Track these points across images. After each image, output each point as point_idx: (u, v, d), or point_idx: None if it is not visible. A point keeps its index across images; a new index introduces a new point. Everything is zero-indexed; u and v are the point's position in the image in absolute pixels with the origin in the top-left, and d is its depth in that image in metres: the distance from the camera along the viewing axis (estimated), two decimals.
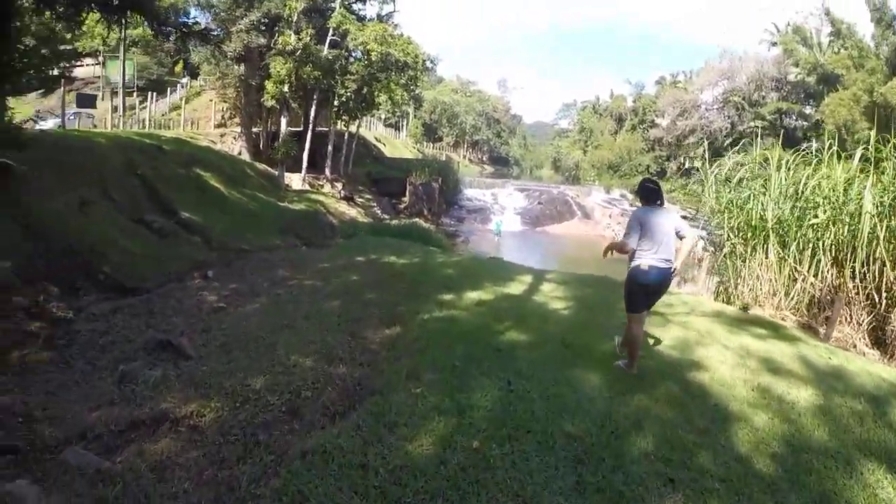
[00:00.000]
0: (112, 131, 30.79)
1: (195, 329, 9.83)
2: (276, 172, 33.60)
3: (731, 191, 14.23)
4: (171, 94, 51.05)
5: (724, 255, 13.85)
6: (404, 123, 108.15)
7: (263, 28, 35.70)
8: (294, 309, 10.46)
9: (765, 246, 12.74)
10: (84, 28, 61.54)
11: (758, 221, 13.03)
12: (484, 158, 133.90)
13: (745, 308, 12.38)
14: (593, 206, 53.09)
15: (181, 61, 59.60)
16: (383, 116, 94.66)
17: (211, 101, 46.69)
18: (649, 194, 6.91)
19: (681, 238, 6.81)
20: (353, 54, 39.18)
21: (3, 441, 6.04)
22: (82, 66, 63.39)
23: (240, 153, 36.35)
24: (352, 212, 33.73)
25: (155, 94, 48.33)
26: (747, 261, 13.09)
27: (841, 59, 60.57)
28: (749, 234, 13.19)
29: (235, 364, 7.80)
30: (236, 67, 38.98)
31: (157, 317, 10.90)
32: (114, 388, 7.36)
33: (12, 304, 11.52)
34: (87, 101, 35.85)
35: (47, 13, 20.56)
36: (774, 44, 73.45)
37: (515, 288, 12.37)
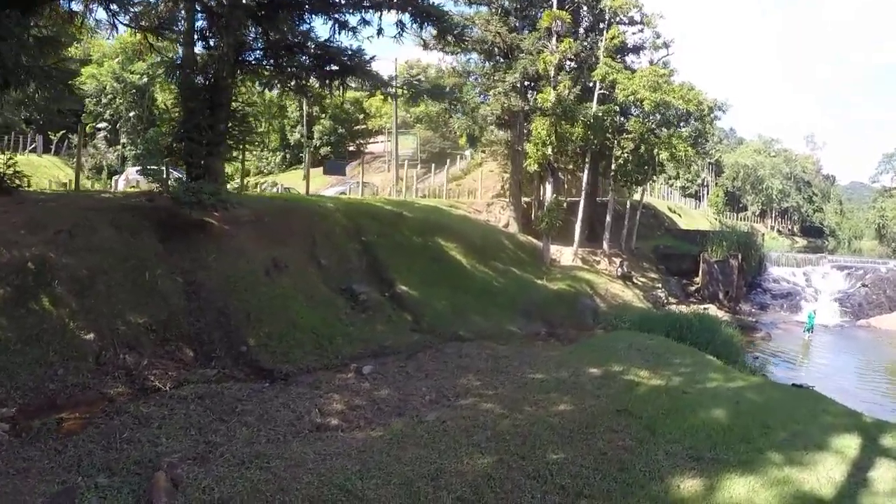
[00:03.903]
0: (351, 197, 29.74)
1: (239, 460, 7.18)
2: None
3: None
4: (449, 165, 50.67)
5: None
6: (705, 193, 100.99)
7: (530, 90, 33.09)
8: (413, 460, 7.18)
9: None
10: (374, 108, 66.88)
11: None
12: (794, 229, 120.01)
13: None
14: None
15: (464, 134, 60.13)
16: (680, 185, 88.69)
17: (491, 171, 45.37)
18: None
19: None
20: (630, 112, 34.86)
21: None
22: (377, 142, 68.04)
23: (507, 224, 33.34)
24: (626, 294, 28.59)
25: (435, 165, 48.86)
26: None
27: None
28: None
29: None
30: (501, 133, 36.71)
31: (228, 421, 8.71)
32: None
33: (118, 362, 10.87)
34: (335, 169, 35.73)
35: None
36: None
37: (825, 471, 7.03)
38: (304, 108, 61.52)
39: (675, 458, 7.26)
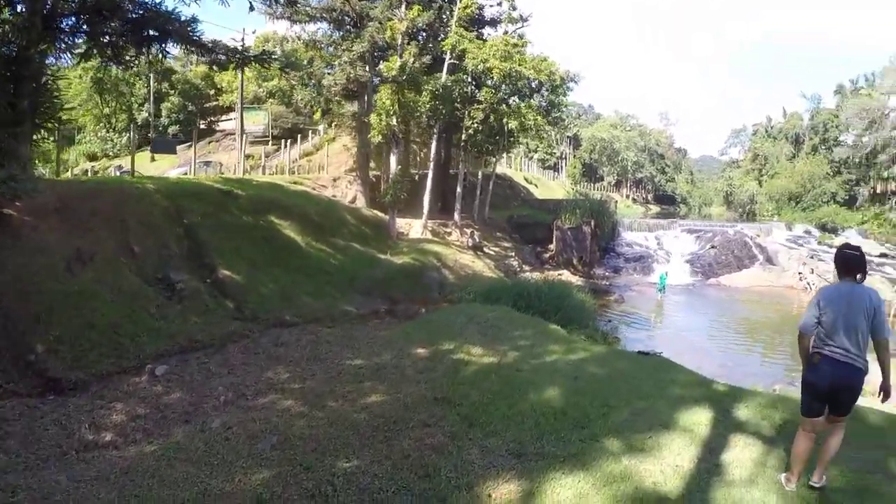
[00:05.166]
0: (180, 177, 27.56)
1: None
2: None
3: None
4: (300, 141, 48.37)
5: None
6: (563, 165, 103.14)
7: (380, 60, 31.28)
8: (179, 481, 5.77)
9: None
10: (226, 83, 63.27)
11: None
12: (648, 197, 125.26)
13: None
14: (777, 248, 43.65)
15: (319, 109, 58.03)
16: (539, 157, 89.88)
17: (344, 146, 43.57)
18: (840, 265, 5.40)
19: (878, 343, 5.12)
20: (485, 83, 33.76)
21: None
22: (229, 119, 64.27)
23: (354, 199, 31.79)
24: (477, 265, 27.60)
25: (289, 142, 46.41)
26: None
27: None
28: None
29: None
30: (348, 105, 34.96)
31: None
32: None
33: None
34: (164, 147, 32.90)
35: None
36: None
37: (671, 458, 6.07)
38: (151, 83, 57.21)
39: (493, 455, 5.98)
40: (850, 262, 5.33)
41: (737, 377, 14.83)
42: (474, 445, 6.18)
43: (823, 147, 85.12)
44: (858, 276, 5.33)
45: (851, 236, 51.54)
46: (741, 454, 6.03)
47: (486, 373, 8.66)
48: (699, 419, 6.92)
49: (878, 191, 68.60)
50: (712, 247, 42.38)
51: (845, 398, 5.25)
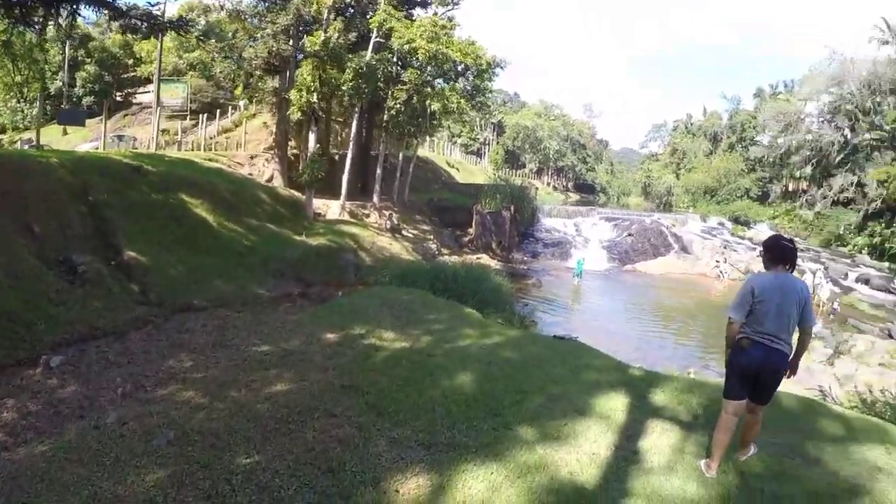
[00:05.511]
0: (88, 151, 26.12)
1: None
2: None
3: None
4: (219, 117, 46.57)
5: None
6: (486, 150, 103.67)
7: (306, 34, 30.41)
8: (69, 484, 5.21)
9: None
10: (146, 53, 60.54)
11: None
12: (569, 186, 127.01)
13: None
14: (691, 238, 45.39)
15: (241, 83, 56.14)
16: (462, 142, 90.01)
17: (265, 123, 42.33)
18: (776, 255, 5.51)
19: (803, 330, 5.47)
20: (411, 63, 33.41)
21: None
22: (147, 91, 61.38)
23: (271, 178, 31.01)
24: (395, 247, 27.51)
25: (208, 117, 44.51)
26: None
27: None
28: None
29: None
30: (269, 80, 34.00)
31: None
32: None
33: None
34: (72, 119, 31.10)
35: None
36: (886, 42, 61.75)
37: (587, 446, 5.93)
38: (66, 50, 54.12)
39: (401, 447, 5.68)
40: (787, 253, 5.48)
41: (652, 361, 15.03)
42: (382, 436, 5.87)
43: (740, 146, 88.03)
44: (788, 267, 5.51)
45: (763, 230, 53.87)
46: (659, 440, 5.93)
47: (397, 358, 8.34)
48: (615, 405, 6.80)
49: (790, 189, 71.30)
50: (629, 234, 43.40)
51: (770, 383, 5.43)
